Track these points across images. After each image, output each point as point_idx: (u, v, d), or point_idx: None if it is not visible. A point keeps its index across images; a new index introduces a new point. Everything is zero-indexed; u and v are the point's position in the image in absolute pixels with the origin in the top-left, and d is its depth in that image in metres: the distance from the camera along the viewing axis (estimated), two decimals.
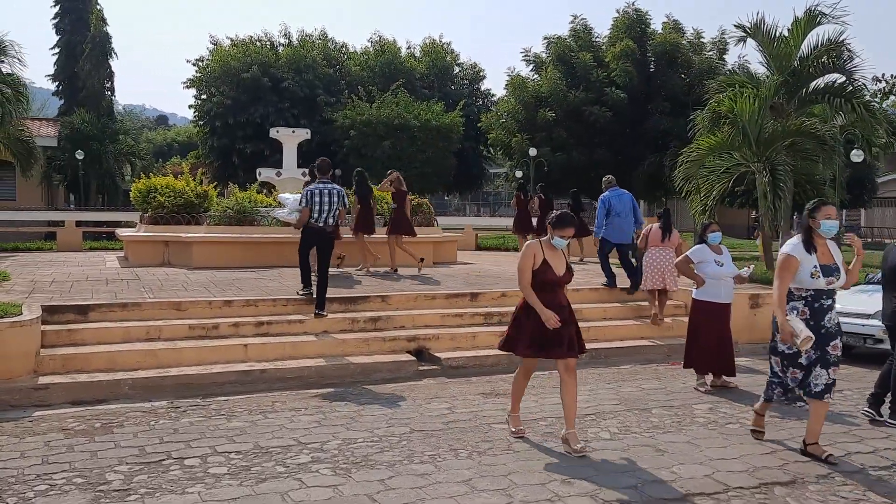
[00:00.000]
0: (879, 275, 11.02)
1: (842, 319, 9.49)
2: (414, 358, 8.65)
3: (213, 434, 5.88)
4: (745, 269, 8.09)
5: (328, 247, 9.40)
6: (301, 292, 9.44)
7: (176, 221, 14.13)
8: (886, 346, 9.24)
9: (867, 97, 12.96)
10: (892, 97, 19.18)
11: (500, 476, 4.97)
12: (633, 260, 11.12)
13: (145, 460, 5.23)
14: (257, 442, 5.69)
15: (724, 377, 7.76)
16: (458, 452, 5.48)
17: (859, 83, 12.62)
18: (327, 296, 9.15)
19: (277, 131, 17.80)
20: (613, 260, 11.36)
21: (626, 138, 27.22)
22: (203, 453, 5.40)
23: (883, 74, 18.52)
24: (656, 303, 10.37)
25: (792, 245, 5.48)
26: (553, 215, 5.72)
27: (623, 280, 11.23)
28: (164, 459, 5.25)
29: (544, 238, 5.73)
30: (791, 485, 4.87)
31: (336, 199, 9.30)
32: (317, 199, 9.19)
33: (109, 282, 10.76)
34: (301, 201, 9.42)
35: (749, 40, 13.94)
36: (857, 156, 19.01)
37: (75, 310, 8.41)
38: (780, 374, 5.61)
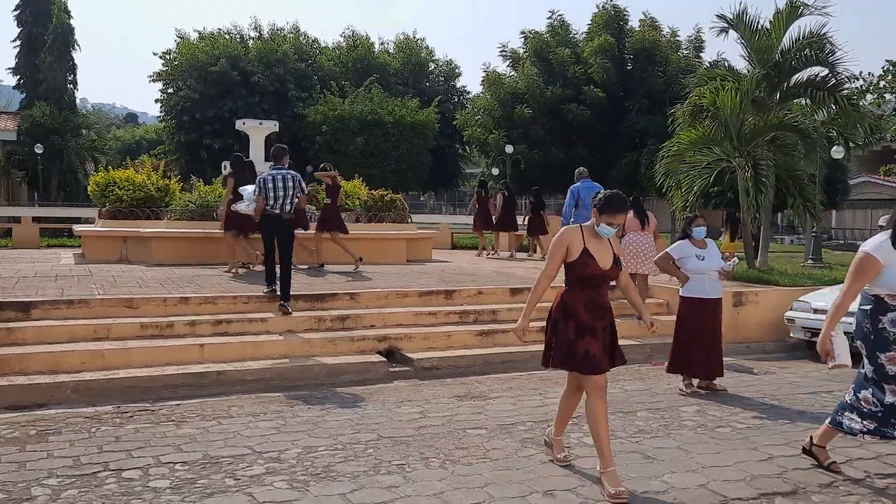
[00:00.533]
0: None
1: (824, 317, 9.40)
2: (384, 359, 8.15)
3: (159, 442, 5.33)
4: (729, 262, 7.70)
5: (288, 235, 8.93)
6: (265, 291, 8.91)
7: (135, 216, 13.49)
8: None
9: (849, 91, 12.66)
10: (868, 95, 18.98)
11: (475, 488, 4.49)
12: None
13: (79, 472, 4.66)
14: (207, 451, 5.15)
15: (716, 378, 7.35)
16: (429, 461, 5.00)
17: (842, 76, 12.36)
18: (292, 292, 8.62)
19: (244, 123, 17.20)
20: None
21: (603, 136, 26.96)
22: (145, 464, 4.85)
23: (861, 72, 18.34)
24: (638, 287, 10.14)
25: (875, 244, 4.47)
26: (601, 196, 4.60)
27: None
28: (99, 471, 4.69)
29: (587, 223, 4.68)
30: (793, 495, 4.45)
31: (291, 184, 8.85)
32: (270, 185, 8.79)
33: (59, 278, 10.11)
34: (255, 190, 8.97)
35: (731, 33, 13.61)
36: (837, 152, 18.86)
37: (16, 307, 7.79)
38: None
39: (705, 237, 7.42)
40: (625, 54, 27.61)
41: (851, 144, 15.55)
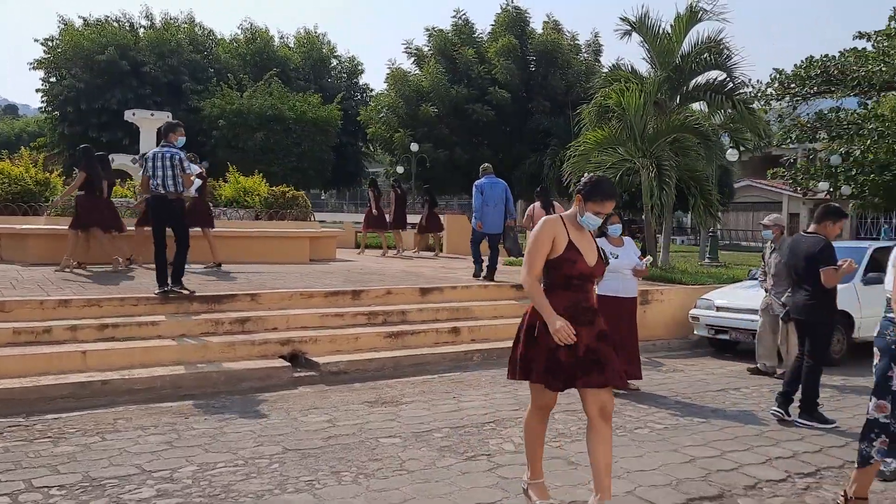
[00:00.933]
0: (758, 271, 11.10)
1: (730, 315, 9.60)
2: (288, 363, 7.65)
3: (32, 463, 4.71)
4: (643, 260, 7.67)
5: (174, 216, 8.42)
6: (156, 291, 8.25)
7: (11, 211, 12.34)
8: None
9: (745, 95, 13.08)
10: (756, 103, 19.82)
11: None
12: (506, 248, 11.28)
13: None
14: (88, 472, 4.58)
15: (629, 378, 7.27)
16: (341, 476, 4.61)
17: (739, 80, 12.75)
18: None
19: (133, 114, 16.19)
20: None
21: (507, 137, 27.13)
22: (14, 489, 4.24)
23: (750, 79, 19.14)
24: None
25: None
26: (586, 181, 3.96)
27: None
28: None
29: (567, 212, 4.00)
30: (720, 499, 4.35)
31: (170, 161, 8.31)
32: (150, 163, 8.35)
33: None
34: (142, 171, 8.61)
35: (634, 36, 13.84)
36: (732, 155, 19.64)
37: None
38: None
39: (621, 235, 7.35)
40: (528, 56, 27.87)
41: (742, 147, 16.13)
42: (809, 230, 6.35)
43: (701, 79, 13.24)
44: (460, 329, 9.16)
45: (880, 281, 9.26)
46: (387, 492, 4.35)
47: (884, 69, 16.62)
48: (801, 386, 6.12)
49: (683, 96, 13.32)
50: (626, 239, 7.50)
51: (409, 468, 4.78)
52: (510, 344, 9.03)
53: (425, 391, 7.09)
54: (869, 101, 20.07)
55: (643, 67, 14.28)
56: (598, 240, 7.20)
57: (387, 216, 17.16)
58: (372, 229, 17.48)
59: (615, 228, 7.27)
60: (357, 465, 4.83)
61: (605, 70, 14.29)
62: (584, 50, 28.35)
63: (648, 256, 7.95)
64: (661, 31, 13.24)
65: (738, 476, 4.72)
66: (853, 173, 19.59)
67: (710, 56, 12.83)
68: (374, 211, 17.00)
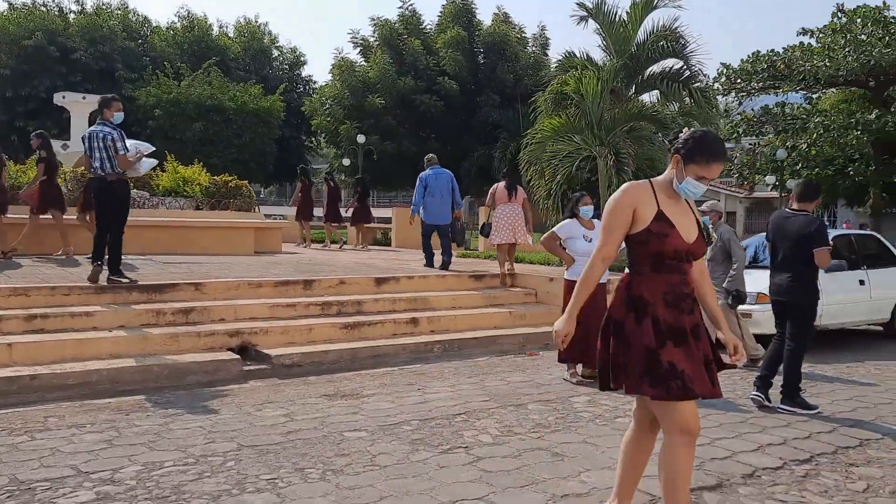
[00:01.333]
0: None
1: None
2: (237, 356, 7.11)
3: None
4: None
5: (112, 198, 7.82)
6: (110, 276, 7.68)
7: None
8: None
9: (702, 84, 13.01)
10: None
11: (370, 503, 3.72)
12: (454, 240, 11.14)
13: None
14: (16, 474, 4.01)
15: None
16: (306, 473, 4.15)
17: (696, 69, 12.68)
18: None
19: (63, 97, 15.24)
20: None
21: (456, 129, 26.76)
22: None
23: (704, 72, 19.22)
24: (506, 260, 10.36)
25: None
26: (688, 137, 3.08)
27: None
28: None
29: (660, 177, 3.17)
30: (720, 489, 4.04)
31: (102, 142, 7.70)
32: (86, 144, 7.80)
33: None
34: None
35: (587, 26, 13.65)
36: None
37: None
38: None
39: (592, 217, 7.04)
40: (476, 48, 27.56)
41: None
42: (794, 207, 6.13)
43: (657, 67, 13.14)
44: (419, 320, 8.74)
45: (842, 268, 9.29)
46: (359, 489, 3.90)
47: (828, 64, 16.85)
48: (783, 370, 5.91)
49: (640, 85, 13.19)
50: (597, 222, 7.19)
51: (381, 463, 4.34)
52: (470, 334, 8.81)
53: (387, 383, 6.65)
54: (814, 96, 20.44)
55: (598, 55, 14.09)
56: (568, 221, 7.00)
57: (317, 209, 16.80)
58: (306, 220, 16.89)
59: (587, 210, 6.97)
60: (323, 460, 4.37)
61: (558, 59, 14.03)
62: (531, 43, 28.18)
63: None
64: (617, 19, 13.08)
65: (733, 465, 4.43)
66: (798, 167, 19.93)
67: (666, 44, 12.72)
68: (309, 200, 16.61)
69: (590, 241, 6.87)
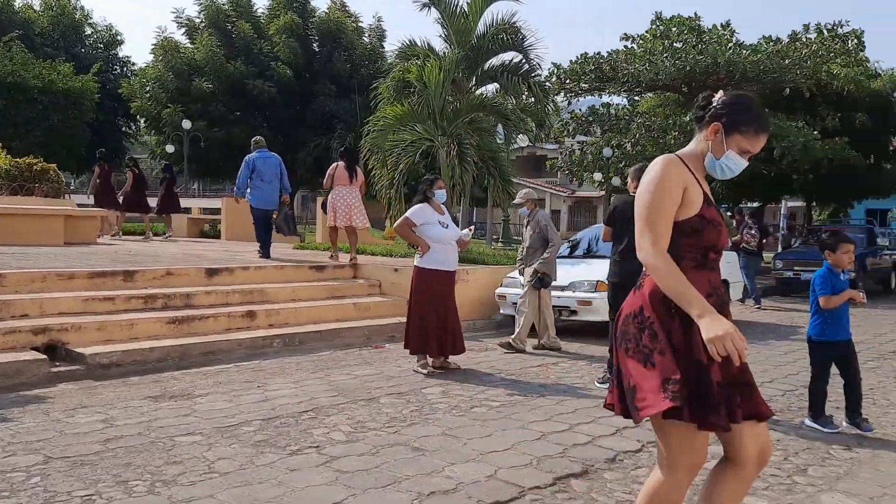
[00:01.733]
0: (565, 248, 11.23)
1: None
2: (44, 356, 6.19)
3: None
4: (466, 231, 7.24)
5: None
6: None
7: None
8: (581, 317, 9.27)
9: (541, 78, 13.26)
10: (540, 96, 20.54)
11: None
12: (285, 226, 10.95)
13: None
14: None
15: (450, 356, 6.75)
16: (131, 486, 3.55)
17: (535, 62, 12.89)
18: None
19: None
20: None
21: (291, 119, 25.77)
22: None
23: (540, 65, 19.75)
24: (337, 243, 10.39)
25: None
26: (727, 100, 2.44)
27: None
28: None
29: (687, 150, 2.52)
30: (586, 476, 3.91)
31: None
32: None
33: None
34: None
35: (430, 15, 13.51)
36: (522, 140, 20.13)
37: None
38: None
39: (444, 202, 6.81)
40: (310, 35, 26.70)
41: (531, 131, 16.48)
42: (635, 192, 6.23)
43: (497, 60, 13.24)
44: (256, 313, 8.14)
45: None
46: (197, 501, 3.38)
47: (648, 68, 17.86)
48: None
49: (480, 76, 13.24)
50: (444, 207, 6.99)
51: (222, 469, 3.82)
52: (312, 328, 8.34)
53: (222, 382, 6.05)
54: (636, 98, 21.66)
55: (440, 45, 13.99)
56: (422, 205, 6.71)
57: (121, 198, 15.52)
58: (107, 208, 15.40)
59: (441, 193, 6.74)
60: (151, 470, 3.78)
61: (399, 46, 13.76)
62: (368, 33, 27.74)
63: (472, 226, 7.53)
64: (458, 9, 13.03)
65: (595, 450, 4.34)
66: (622, 165, 21.03)
67: (506, 37, 12.84)
68: (109, 186, 15.34)
69: (446, 226, 6.66)
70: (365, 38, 27.64)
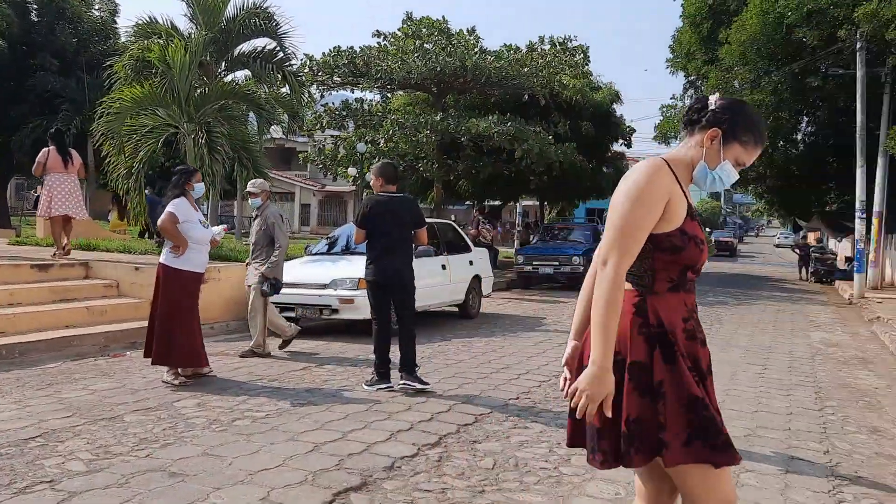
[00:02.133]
0: (323, 244, 10.93)
1: (298, 291, 9.12)
2: None
3: None
4: (220, 229, 6.70)
5: None
6: None
7: None
8: (343, 316, 9.04)
9: (297, 68, 12.82)
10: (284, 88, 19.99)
11: None
12: None
13: None
14: None
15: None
16: None
17: (290, 51, 12.43)
18: None
19: None
20: None
21: (3, 94, 22.42)
22: None
23: (295, 54, 19.09)
24: (63, 233, 9.53)
25: None
26: (724, 103, 2.22)
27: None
28: None
29: (673, 154, 2.26)
30: (365, 488, 3.72)
31: None
32: None
33: None
34: None
35: None
36: (275, 131, 19.30)
37: None
38: None
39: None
40: (28, 2, 23.45)
41: (283, 124, 15.99)
42: (389, 190, 6.12)
43: (249, 45, 12.60)
44: None
45: (429, 253, 9.91)
46: None
47: (401, 66, 18.17)
48: (404, 349, 5.90)
49: (231, 61, 12.50)
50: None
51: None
52: (36, 336, 7.31)
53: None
54: (389, 95, 21.93)
55: (184, 25, 12.93)
56: (181, 200, 6.03)
57: None
58: None
59: (200, 188, 6.19)
60: None
61: (137, 23, 12.46)
62: (98, 5, 25.00)
63: (226, 224, 6.99)
64: None
65: (371, 458, 4.16)
66: (376, 160, 21.08)
67: (259, 22, 12.23)
68: None
69: (207, 226, 6.10)
70: (95, 11, 24.90)
